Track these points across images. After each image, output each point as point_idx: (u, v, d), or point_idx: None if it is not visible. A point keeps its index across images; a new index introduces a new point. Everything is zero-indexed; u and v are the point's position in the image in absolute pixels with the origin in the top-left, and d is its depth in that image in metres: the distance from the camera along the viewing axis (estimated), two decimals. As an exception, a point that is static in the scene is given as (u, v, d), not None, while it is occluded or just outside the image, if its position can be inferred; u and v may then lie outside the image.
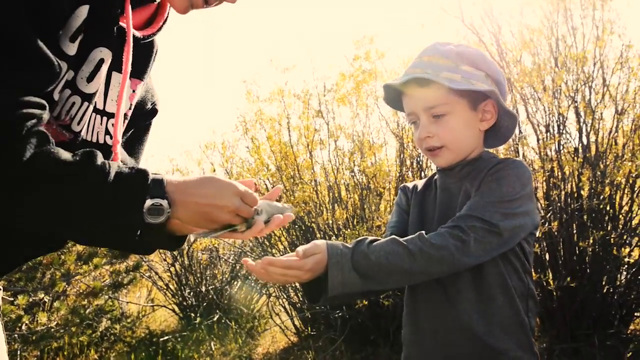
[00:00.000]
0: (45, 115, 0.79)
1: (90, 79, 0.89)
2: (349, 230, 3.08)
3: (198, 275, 4.53)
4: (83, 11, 0.81)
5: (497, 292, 1.14)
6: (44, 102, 0.79)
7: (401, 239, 1.08)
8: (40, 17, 0.74)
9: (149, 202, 0.81)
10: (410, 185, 1.36)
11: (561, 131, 3.06)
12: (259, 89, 3.76)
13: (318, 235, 3.49)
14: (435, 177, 1.30)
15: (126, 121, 0.99)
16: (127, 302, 4.89)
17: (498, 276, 1.15)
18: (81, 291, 3.86)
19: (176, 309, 4.74)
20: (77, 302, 4.59)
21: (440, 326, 1.17)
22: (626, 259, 3.01)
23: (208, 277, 4.57)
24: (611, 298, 3.12)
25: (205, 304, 4.38)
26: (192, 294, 4.50)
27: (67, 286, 3.80)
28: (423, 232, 1.09)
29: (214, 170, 4.15)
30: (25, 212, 0.78)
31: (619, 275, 3.10)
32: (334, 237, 3.35)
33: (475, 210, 1.10)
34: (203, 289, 4.45)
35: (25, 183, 0.74)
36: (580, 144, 3.02)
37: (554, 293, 3.09)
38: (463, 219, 1.10)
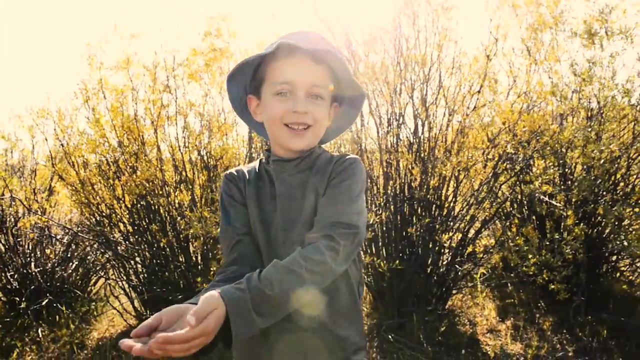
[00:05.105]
0: None
1: None
2: (193, 212, 2.99)
3: (25, 255, 4.07)
4: None
5: (340, 281, 1.16)
6: None
7: (283, 262, 1.02)
8: None
9: None
10: (235, 172, 1.27)
11: (400, 125, 3.29)
12: (104, 54, 3.44)
13: (162, 213, 3.33)
14: (264, 166, 1.25)
15: None
16: None
17: None
18: None
19: (-3, 292, 4.22)
20: None
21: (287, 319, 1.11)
22: (447, 244, 3.37)
23: (37, 258, 4.13)
24: (432, 279, 3.47)
25: (32, 287, 3.96)
26: (16, 276, 4.04)
27: None
28: (300, 248, 1.06)
29: (46, 140, 3.72)
30: None
31: (441, 258, 3.46)
32: (178, 218, 3.23)
33: (339, 215, 1.09)
34: (31, 270, 4.01)
35: None
36: (416, 139, 3.28)
37: (385, 274, 3.36)
38: (332, 227, 1.08)
